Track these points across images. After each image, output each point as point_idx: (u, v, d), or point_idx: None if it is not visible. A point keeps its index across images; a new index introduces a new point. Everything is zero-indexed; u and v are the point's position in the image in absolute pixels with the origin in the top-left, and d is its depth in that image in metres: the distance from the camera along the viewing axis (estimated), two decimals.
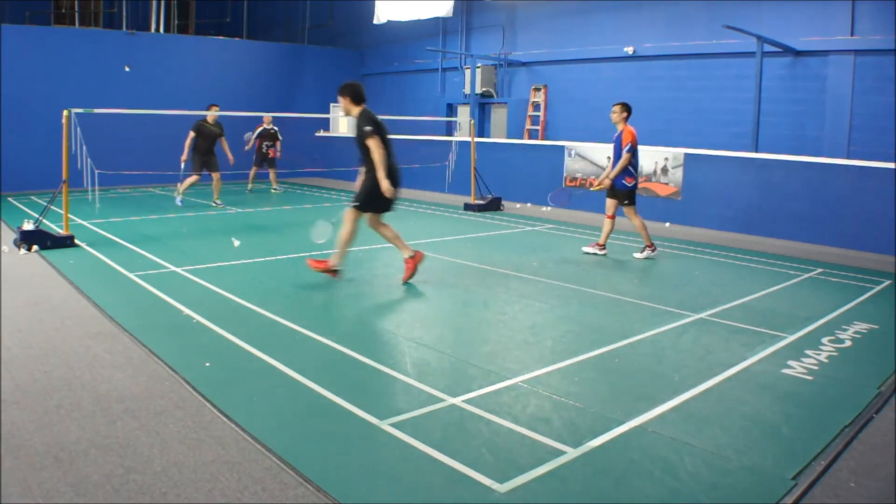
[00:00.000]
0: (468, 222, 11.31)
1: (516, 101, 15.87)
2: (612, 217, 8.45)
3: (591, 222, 11.60)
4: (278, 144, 14.29)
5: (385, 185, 6.14)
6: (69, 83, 14.53)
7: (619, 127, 8.30)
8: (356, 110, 6.31)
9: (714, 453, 3.33)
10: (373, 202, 6.37)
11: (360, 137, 6.17)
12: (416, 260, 6.64)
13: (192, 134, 11.74)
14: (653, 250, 8.39)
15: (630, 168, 8.19)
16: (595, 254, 8.46)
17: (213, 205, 12.30)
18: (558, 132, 14.87)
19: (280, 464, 3.10)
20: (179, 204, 12.18)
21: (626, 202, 8.34)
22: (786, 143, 11.31)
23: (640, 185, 11.98)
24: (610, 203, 8.44)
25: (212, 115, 11.89)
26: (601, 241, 8.50)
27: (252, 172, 14.49)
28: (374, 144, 6.09)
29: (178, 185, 12.30)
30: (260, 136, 14.09)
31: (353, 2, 19.03)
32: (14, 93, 13.85)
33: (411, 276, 6.65)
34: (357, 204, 6.39)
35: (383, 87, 19.54)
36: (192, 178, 12.04)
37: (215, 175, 12.11)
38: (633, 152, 8.17)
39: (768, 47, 11.14)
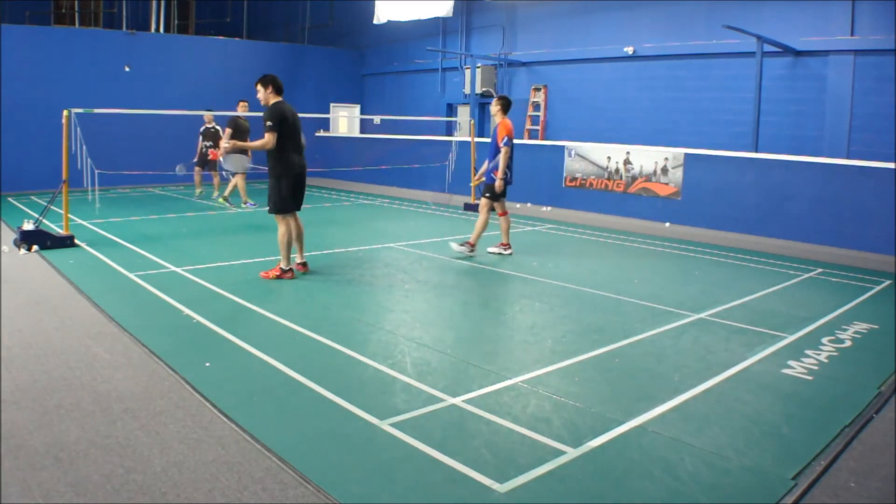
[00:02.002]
0: (468, 222, 11.30)
1: (516, 101, 15.77)
2: (504, 213, 8.35)
3: (592, 222, 11.62)
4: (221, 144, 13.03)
5: (235, 146, 6.89)
6: (69, 83, 14.52)
7: (497, 120, 8.16)
8: (274, 100, 6.54)
9: (714, 453, 3.33)
10: (282, 204, 6.59)
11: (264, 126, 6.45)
12: (283, 275, 6.71)
13: (229, 131, 11.61)
14: (508, 248, 8.32)
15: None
16: (501, 254, 8.29)
17: (243, 206, 12.26)
18: (558, 132, 14.87)
19: (280, 464, 3.10)
20: (252, 204, 12.08)
21: (487, 195, 8.19)
22: (786, 143, 11.31)
23: (640, 186, 12.07)
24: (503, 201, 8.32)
25: (242, 109, 11.76)
26: (504, 240, 8.33)
27: (197, 176, 13.21)
28: (268, 138, 6.33)
29: (240, 193, 12.24)
30: (202, 136, 12.79)
31: (353, 2, 19.03)
32: (14, 93, 13.85)
33: (279, 276, 6.72)
34: (275, 210, 6.64)
35: (383, 87, 19.54)
36: (241, 180, 12.06)
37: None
38: (510, 146, 8.02)
39: (768, 47, 11.14)
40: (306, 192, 6.92)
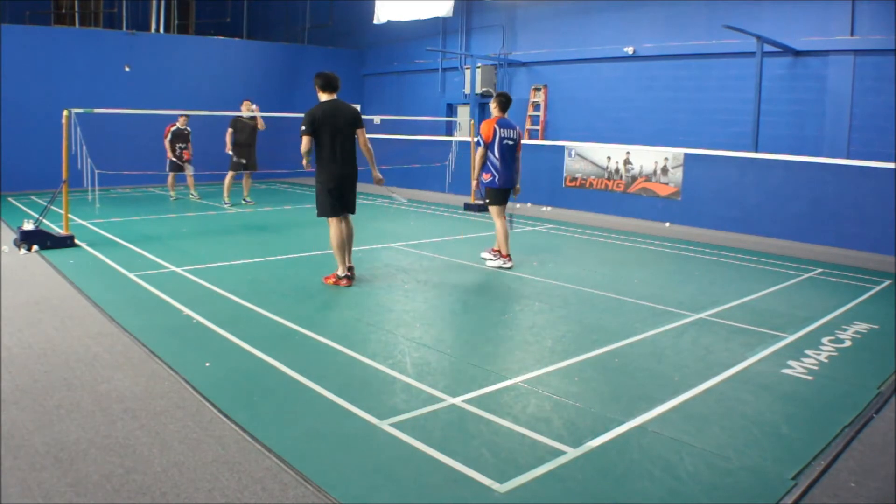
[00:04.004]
0: (468, 222, 11.31)
1: (516, 101, 15.72)
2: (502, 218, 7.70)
3: (592, 222, 11.62)
4: (190, 146, 12.78)
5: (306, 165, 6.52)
6: (69, 83, 14.51)
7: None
8: (322, 98, 6.46)
9: (714, 453, 3.33)
10: (321, 206, 6.49)
11: None
12: (338, 282, 6.55)
13: (230, 130, 11.93)
14: (507, 260, 7.60)
15: (488, 164, 7.51)
16: (501, 267, 7.60)
17: (244, 201, 12.54)
18: (558, 132, 14.88)
19: (280, 464, 3.10)
20: (228, 204, 12.27)
21: (486, 200, 7.73)
22: (786, 143, 11.31)
23: (640, 186, 12.08)
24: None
25: (245, 109, 11.95)
26: (495, 246, 7.78)
27: (170, 179, 13.04)
28: (302, 143, 6.27)
29: (224, 191, 12.42)
30: (174, 136, 12.52)
31: (353, 2, 19.03)
32: (14, 93, 13.84)
33: (335, 283, 6.58)
34: (317, 213, 6.55)
35: (383, 87, 19.54)
36: (229, 178, 12.22)
37: (247, 172, 12.34)
38: (488, 146, 7.46)
39: (768, 47, 11.14)
40: (308, 192, 6.82)
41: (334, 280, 6.58)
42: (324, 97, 6.43)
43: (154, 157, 13.48)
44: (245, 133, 11.94)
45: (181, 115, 12.60)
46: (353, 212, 6.64)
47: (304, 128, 6.23)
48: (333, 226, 6.48)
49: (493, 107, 7.78)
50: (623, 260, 8.48)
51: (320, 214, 6.54)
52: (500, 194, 7.60)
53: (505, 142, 7.52)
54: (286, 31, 20.99)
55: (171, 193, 13.17)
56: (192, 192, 13.47)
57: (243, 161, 11.98)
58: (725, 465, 3.22)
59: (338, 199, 6.44)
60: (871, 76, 10.57)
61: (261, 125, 12.03)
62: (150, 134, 14.39)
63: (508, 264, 7.63)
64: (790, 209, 10.18)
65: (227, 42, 17.99)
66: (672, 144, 12.28)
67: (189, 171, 12.95)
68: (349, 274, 6.59)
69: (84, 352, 4.53)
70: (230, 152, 11.97)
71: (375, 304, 6.06)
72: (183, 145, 12.66)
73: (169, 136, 12.58)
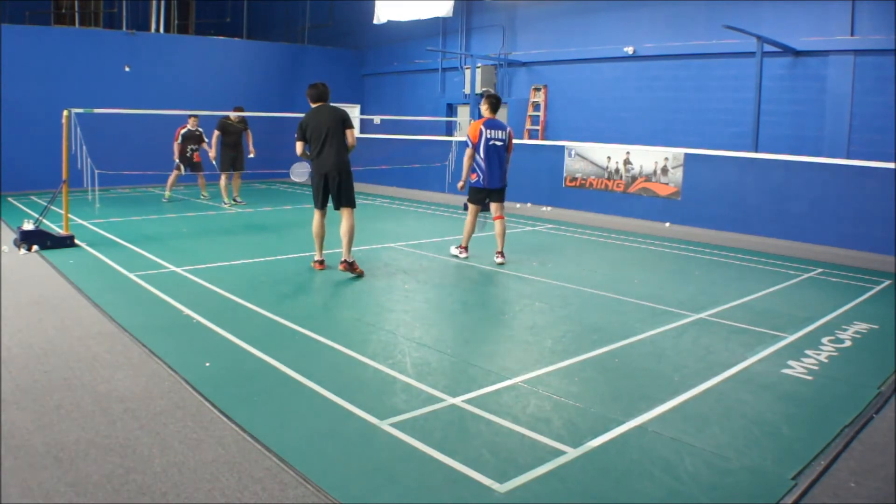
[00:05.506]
0: None
1: (516, 101, 15.86)
2: (499, 217, 7.90)
3: (592, 222, 11.61)
4: (205, 146, 12.70)
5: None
6: (69, 83, 14.50)
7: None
8: (313, 105, 7.12)
9: (714, 453, 3.33)
10: (313, 197, 7.14)
11: None
12: (353, 269, 7.04)
13: (216, 132, 12.13)
14: (463, 251, 8.07)
15: (475, 165, 7.70)
16: (457, 257, 8.04)
17: (234, 201, 12.59)
18: (558, 132, 14.88)
19: (280, 464, 3.10)
20: (228, 205, 12.35)
21: (469, 198, 7.97)
22: (786, 143, 11.32)
23: (640, 186, 12.07)
24: (492, 204, 7.94)
25: (234, 114, 12.15)
26: (499, 247, 7.88)
27: (171, 179, 12.73)
28: (297, 146, 7.08)
29: (222, 191, 12.53)
30: (184, 138, 12.46)
31: (353, 2, 19.02)
32: (14, 93, 13.83)
33: (356, 275, 7.03)
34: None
35: (383, 87, 19.55)
36: (224, 179, 12.34)
37: (237, 173, 12.46)
38: (475, 147, 7.64)
39: (768, 47, 11.14)
40: (308, 192, 7.07)
41: (317, 266, 7.30)
42: (313, 105, 7.07)
43: (154, 157, 13.47)
44: (234, 135, 12.13)
45: (191, 117, 12.54)
46: (346, 206, 7.05)
47: (296, 135, 7.07)
48: (315, 217, 7.17)
49: (484, 108, 7.90)
50: (623, 260, 8.48)
51: (315, 205, 7.21)
52: (481, 194, 7.86)
53: (492, 143, 7.69)
54: (286, 31, 20.99)
55: (167, 194, 12.95)
56: (203, 192, 13.47)
57: (231, 162, 12.12)
58: (725, 465, 3.22)
59: (320, 191, 7.00)
60: (871, 76, 10.57)
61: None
62: (150, 134, 14.37)
63: (463, 255, 8.08)
64: (790, 209, 10.18)
65: (227, 42, 17.98)
66: (672, 144, 12.28)
67: (201, 172, 12.98)
68: (322, 259, 7.34)
69: (84, 352, 4.53)
70: (213, 157, 12.17)
71: (375, 304, 6.06)
72: (195, 146, 12.65)
73: (180, 139, 12.49)
